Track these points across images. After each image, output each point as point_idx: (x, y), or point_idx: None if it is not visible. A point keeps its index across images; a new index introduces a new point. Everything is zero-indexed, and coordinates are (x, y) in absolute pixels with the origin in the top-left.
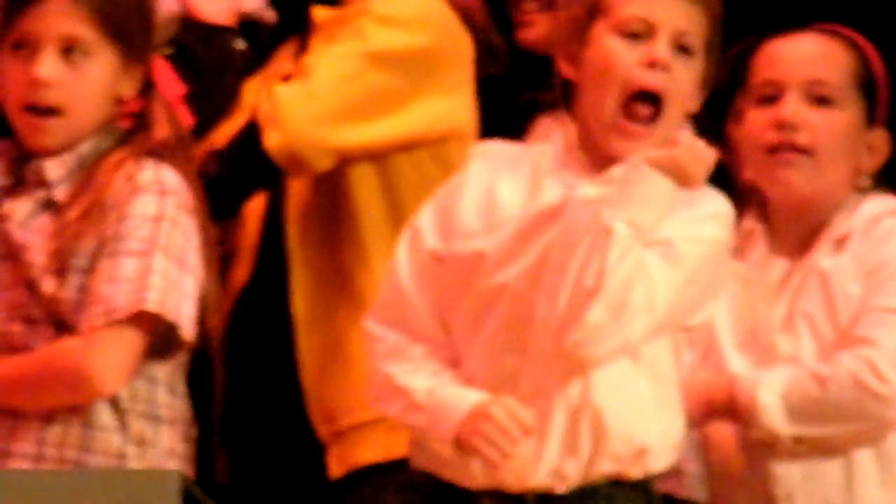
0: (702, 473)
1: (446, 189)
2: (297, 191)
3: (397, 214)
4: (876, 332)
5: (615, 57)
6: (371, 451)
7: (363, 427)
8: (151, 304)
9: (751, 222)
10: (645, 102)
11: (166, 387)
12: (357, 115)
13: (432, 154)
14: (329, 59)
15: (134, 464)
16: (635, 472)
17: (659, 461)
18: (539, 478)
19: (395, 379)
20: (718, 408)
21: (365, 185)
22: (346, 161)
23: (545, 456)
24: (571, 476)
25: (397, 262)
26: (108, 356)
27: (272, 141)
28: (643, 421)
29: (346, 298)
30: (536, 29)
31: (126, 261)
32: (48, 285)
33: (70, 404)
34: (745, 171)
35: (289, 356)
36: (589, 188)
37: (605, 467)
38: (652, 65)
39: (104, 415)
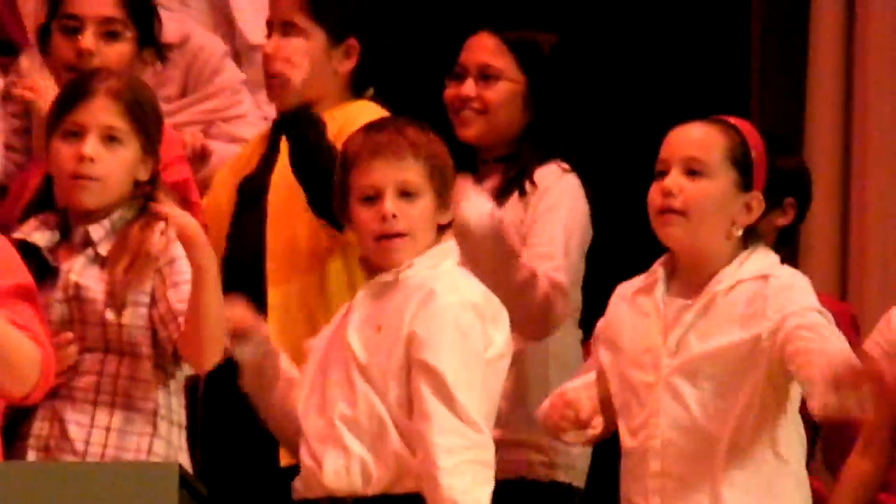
0: None
1: None
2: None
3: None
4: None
5: (361, 219)
6: None
7: None
8: None
9: (657, 269)
10: (393, 238)
11: (177, 396)
12: None
13: None
14: None
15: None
16: None
17: None
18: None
19: None
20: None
21: None
22: None
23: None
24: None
25: None
26: None
27: None
28: None
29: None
30: (474, 128)
31: (186, 287)
32: (109, 315)
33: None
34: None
35: None
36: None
37: None
38: (383, 218)
39: (140, 423)
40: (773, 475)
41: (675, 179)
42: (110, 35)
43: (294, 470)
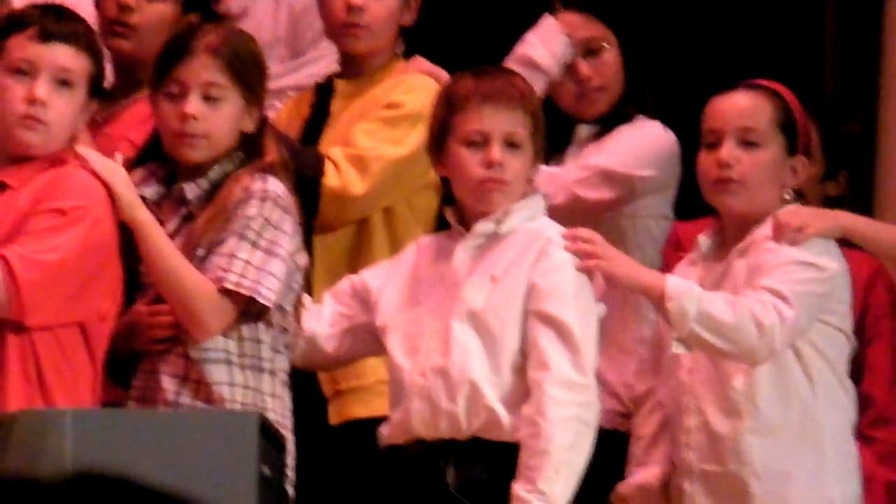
0: None
1: None
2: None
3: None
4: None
5: (464, 163)
6: (360, 408)
7: (356, 390)
8: (229, 284)
9: (706, 234)
10: (498, 184)
11: (269, 346)
12: None
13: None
14: None
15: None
16: None
17: None
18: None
19: None
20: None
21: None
22: None
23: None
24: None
25: None
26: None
27: None
28: None
29: None
30: (600, 106)
31: (221, 248)
32: None
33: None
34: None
35: None
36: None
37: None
38: (489, 165)
39: (218, 372)
40: (801, 431)
41: (730, 151)
42: None
43: (341, 430)
